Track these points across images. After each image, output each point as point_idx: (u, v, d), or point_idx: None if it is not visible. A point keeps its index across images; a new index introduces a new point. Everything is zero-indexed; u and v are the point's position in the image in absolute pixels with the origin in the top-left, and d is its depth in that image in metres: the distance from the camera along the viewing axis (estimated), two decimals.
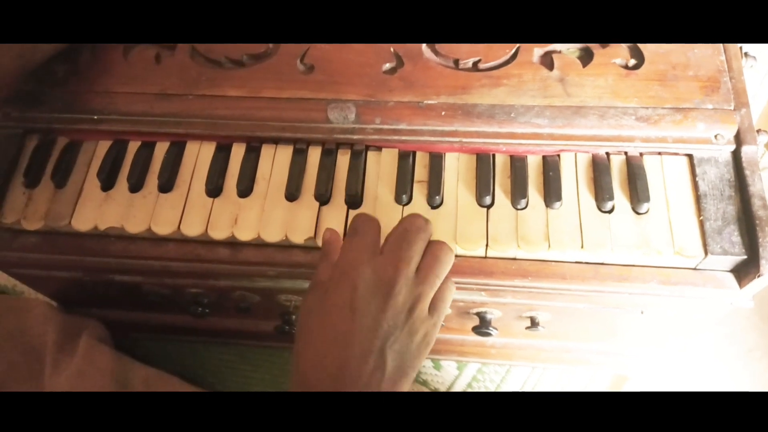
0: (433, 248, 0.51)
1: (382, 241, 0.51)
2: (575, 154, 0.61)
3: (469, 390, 0.84)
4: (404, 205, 0.60)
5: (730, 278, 0.57)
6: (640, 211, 0.58)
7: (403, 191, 0.60)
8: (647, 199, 0.58)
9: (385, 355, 0.46)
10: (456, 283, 0.60)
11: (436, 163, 0.62)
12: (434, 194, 0.60)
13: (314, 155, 0.63)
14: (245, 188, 0.62)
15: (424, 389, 0.84)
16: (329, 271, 0.50)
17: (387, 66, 0.65)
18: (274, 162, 0.63)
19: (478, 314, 0.69)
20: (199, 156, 0.64)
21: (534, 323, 0.69)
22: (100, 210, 0.62)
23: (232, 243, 0.61)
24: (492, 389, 0.84)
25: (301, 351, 0.48)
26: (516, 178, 0.60)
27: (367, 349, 0.45)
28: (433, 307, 0.50)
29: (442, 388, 0.84)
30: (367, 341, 0.46)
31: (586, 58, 0.64)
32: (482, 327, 0.69)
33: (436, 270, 0.50)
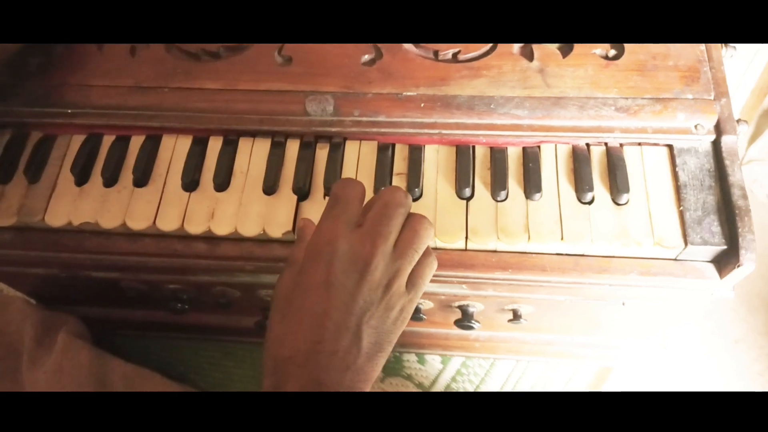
0: (412, 222, 0.49)
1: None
2: (555, 146, 0.61)
3: (454, 383, 0.84)
4: None
5: (711, 269, 0.57)
6: (620, 202, 0.58)
7: (382, 184, 0.60)
8: (627, 190, 0.57)
9: (361, 331, 0.45)
10: (436, 276, 0.60)
11: (415, 156, 0.61)
12: (413, 186, 0.60)
13: (292, 148, 0.63)
14: (222, 182, 0.61)
15: (409, 383, 0.84)
16: (304, 250, 0.49)
17: (366, 57, 0.64)
18: (252, 155, 0.62)
19: (460, 307, 0.69)
20: (175, 150, 0.63)
21: (516, 316, 0.69)
22: (74, 205, 0.61)
23: (209, 237, 0.60)
24: (476, 383, 0.84)
25: (274, 329, 0.46)
26: (496, 170, 0.60)
27: (342, 325, 0.44)
28: (411, 282, 0.48)
29: (427, 383, 0.84)
30: (342, 317, 0.44)
31: (566, 48, 0.63)
32: (465, 320, 0.69)
33: (415, 244, 0.48)
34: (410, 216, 0.50)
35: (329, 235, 0.47)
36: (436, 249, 0.59)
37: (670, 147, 0.60)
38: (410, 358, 0.85)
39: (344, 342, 0.44)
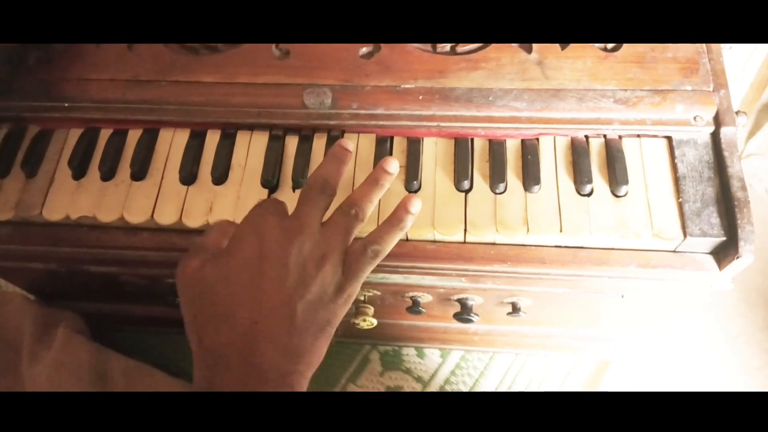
0: (343, 203, 0.49)
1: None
2: (554, 138, 0.61)
3: (453, 377, 0.84)
4: None
5: (710, 260, 0.57)
6: (619, 194, 0.58)
7: None
8: (626, 182, 0.57)
9: (295, 306, 0.44)
10: (435, 268, 0.60)
11: (413, 148, 0.61)
12: (412, 179, 0.59)
13: (290, 141, 0.63)
14: (220, 175, 0.61)
15: (408, 377, 0.84)
16: (213, 238, 0.49)
17: (364, 50, 0.64)
18: (250, 148, 0.62)
19: (459, 300, 0.69)
20: (172, 143, 0.63)
21: (515, 309, 0.69)
22: (72, 199, 0.61)
23: None
24: (476, 376, 0.84)
25: (208, 320, 0.45)
26: (494, 162, 0.60)
27: (276, 298, 0.44)
28: (347, 265, 0.47)
29: (426, 376, 0.84)
30: (276, 289, 0.44)
31: None
32: (463, 313, 0.69)
33: (341, 222, 0.48)
34: (353, 194, 0.50)
35: (258, 216, 0.47)
36: (435, 242, 0.59)
37: (669, 139, 0.60)
38: (409, 352, 0.85)
39: (279, 319, 0.44)
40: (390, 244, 0.49)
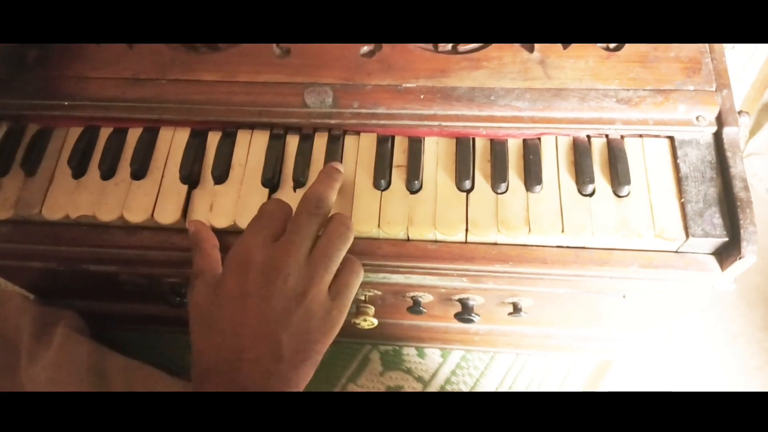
0: (328, 229, 0.51)
1: None
2: (556, 138, 0.61)
3: (454, 377, 0.83)
4: (383, 191, 0.59)
5: (712, 261, 0.57)
6: (621, 194, 0.57)
7: (381, 176, 0.59)
8: (628, 182, 0.57)
9: (279, 338, 0.46)
10: (436, 269, 0.60)
11: (415, 148, 0.61)
12: (413, 179, 0.59)
13: (291, 140, 0.62)
14: (221, 174, 0.60)
15: (408, 377, 0.83)
16: (205, 261, 0.52)
17: (365, 49, 0.63)
18: (251, 148, 0.62)
19: (460, 300, 0.69)
20: (173, 142, 0.62)
21: (516, 309, 0.69)
22: (72, 198, 0.60)
23: None
24: (476, 376, 0.83)
25: (197, 341, 0.49)
26: (496, 162, 0.60)
27: (259, 333, 0.46)
28: (335, 291, 0.50)
29: (426, 376, 0.83)
30: (258, 326, 0.46)
31: None
32: (464, 313, 0.68)
33: (328, 252, 0.50)
34: (330, 221, 0.52)
35: (247, 247, 0.50)
36: (436, 242, 0.58)
37: (672, 139, 0.59)
38: (410, 352, 0.85)
39: (263, 350, 0.46)
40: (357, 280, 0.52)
